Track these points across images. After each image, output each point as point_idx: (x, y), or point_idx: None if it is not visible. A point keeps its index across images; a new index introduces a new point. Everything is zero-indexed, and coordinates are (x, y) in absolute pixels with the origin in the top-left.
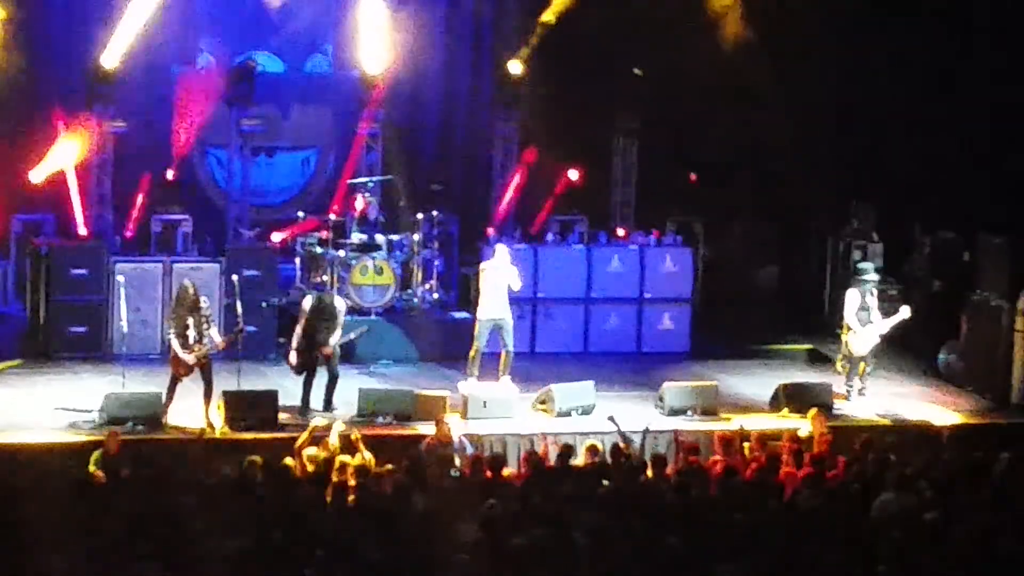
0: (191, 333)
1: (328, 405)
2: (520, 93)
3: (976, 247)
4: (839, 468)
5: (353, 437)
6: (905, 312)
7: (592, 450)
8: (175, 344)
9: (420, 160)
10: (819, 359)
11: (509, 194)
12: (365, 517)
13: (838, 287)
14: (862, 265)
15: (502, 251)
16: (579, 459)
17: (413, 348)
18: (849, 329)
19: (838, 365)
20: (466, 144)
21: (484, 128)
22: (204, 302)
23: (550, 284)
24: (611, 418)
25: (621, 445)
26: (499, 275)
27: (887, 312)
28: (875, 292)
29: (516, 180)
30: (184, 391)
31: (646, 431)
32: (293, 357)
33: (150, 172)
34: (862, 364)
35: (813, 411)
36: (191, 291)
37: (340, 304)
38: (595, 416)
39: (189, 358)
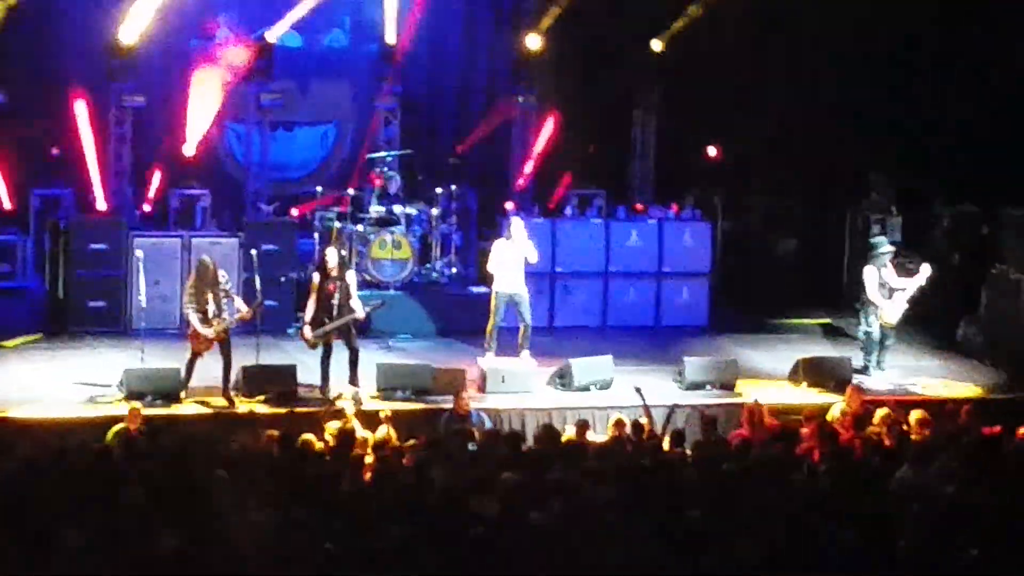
0: (211, 308)
1: (353, 379)
2: (539, 66)
3: (996, 220)
4: (858, 443)
5: (383, 415)
6: (926, 270)
7: (619, 424)
8: (194, 319)
9: (438, 134)
10: (838, 333)
11: (529, 167)
12: (385, 492)
13: (857, 260)
14: (875, 240)
15: (517, 225)
16: (604, 433)
17: (431, 322)
18: (875, 305)
19: (861, 339)
20: (484, 118)
21: (502, 102)
22: (223, 276)
23: (568, 258)
24: (638, 389)
25: (643, 420)
26: (515, 249)
27: (904, 271)
28: (889, 264)
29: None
30: (203, 366)
31: (673, 407)
32: (307, 332)
33: (169, 147)
34: (884, 338)
35: (851, 387)
36: (211, 266)
37: (351, 276)
38: (614, 390)
39: (209, 332)
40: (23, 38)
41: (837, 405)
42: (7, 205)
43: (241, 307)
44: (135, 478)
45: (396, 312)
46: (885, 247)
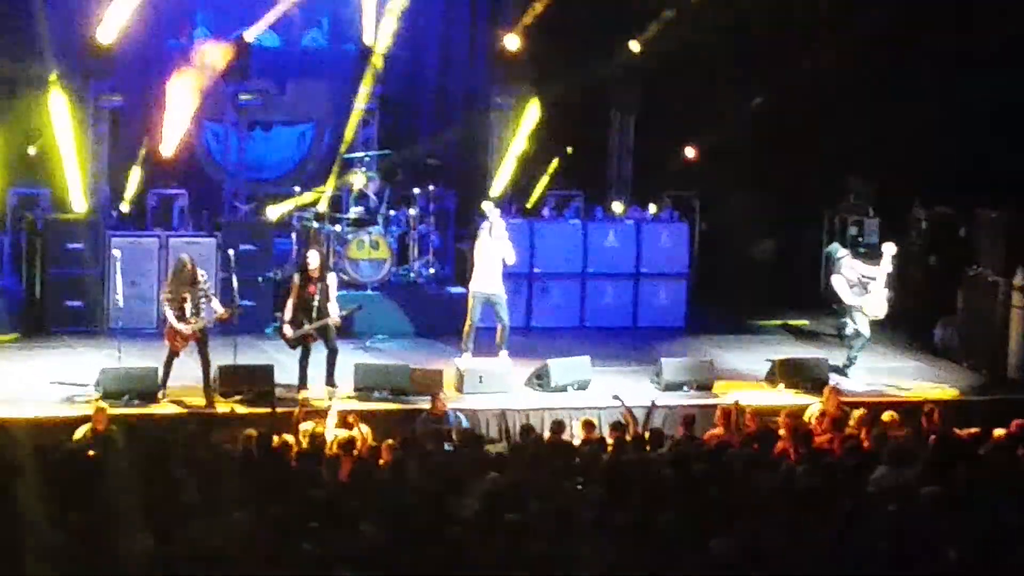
0: (188, 307)
1: (330, 380)
2: (517, 66)
3: (972, 222)
4: (836, 443)
5: (350, 419)
6: (889, 249)
7: (588, 425)
8: (171, 316)
9: (417, 134)
10: (815, 334)
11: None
12: (361, 492)
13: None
14: (829, 249)
15: (499, 221)
16: (574, 434)
17: (409, 323)
18: (855, 308)
19: (851, 343)
20: (463, 118)
21: (481, 102)
22: (202, 276)
23: (546, 259)
24: (616, 396)
25: (624, 422)
26: (493, 246)
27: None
28: (854, 264)
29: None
30: (181, 365)
31: (652, 405)
32: (287, 330)
33: (146, 146)
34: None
35: (828, 387)
36: (189, 265)
37: (332, 279)
38: (591, 391)
39: (185, 329)
40: None
41: (814, 406)
42: None
43: (218, 308)
44: (112, 478)
45: (374, 312)
46: (840, 251)
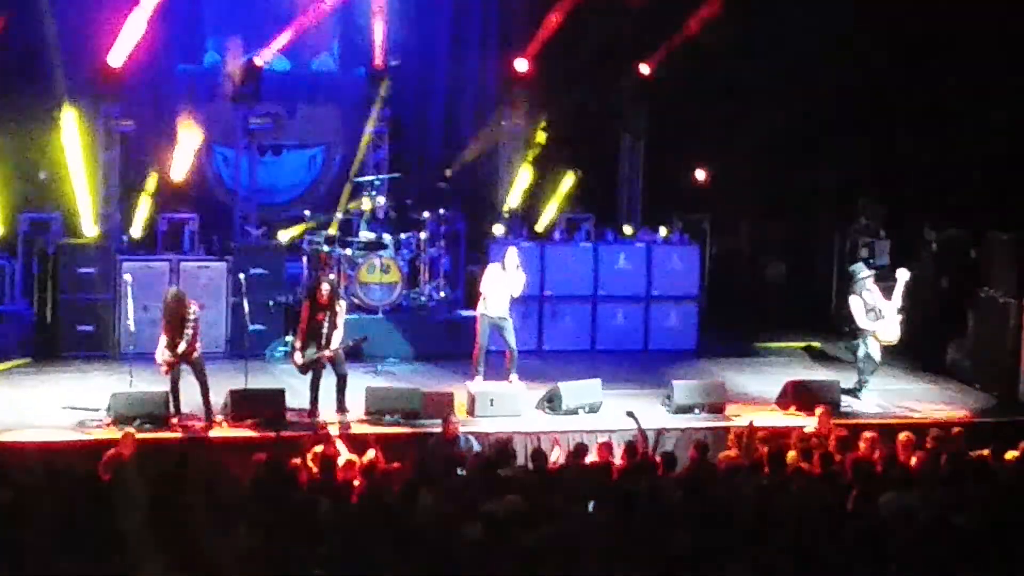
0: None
1: (341, 407)
2: (526, 90)
3: (984, 244)
4: (847, 466)
5: (372, 438)
6: (903, 275)
7: (606, 447)
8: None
9: (427, 158)
10: (826, 356)
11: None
12: (372, 516)
13: (846, 284)
14: (853, 268)
15: (512, 255)
16: (592, 456)
17: (420, 346)
18: (869, 333)
19: (861, 365)
20: (473, 140)
21: (491, 126)
22: (192, 309)
23: (557, 282)
24: (630, 413)
25: (637, 442)
26: (505, 279)
27: (889, 291)
28: (874, 287)
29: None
30: (190, 389)
31: (660, 431)
32: (298, 357)
33: (157, 171)
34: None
35: (820, 409)
36: (169, 299)
37: (341, 306)
38: (602, 414)
39: (166, 357)
40: (10, 61)
41: (807, 427)
42: None
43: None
44: (124, 503)
45: (384, 336)
46: (864, 272)
